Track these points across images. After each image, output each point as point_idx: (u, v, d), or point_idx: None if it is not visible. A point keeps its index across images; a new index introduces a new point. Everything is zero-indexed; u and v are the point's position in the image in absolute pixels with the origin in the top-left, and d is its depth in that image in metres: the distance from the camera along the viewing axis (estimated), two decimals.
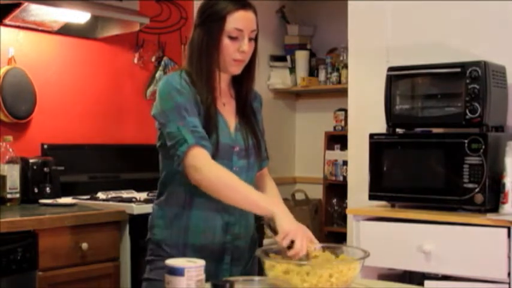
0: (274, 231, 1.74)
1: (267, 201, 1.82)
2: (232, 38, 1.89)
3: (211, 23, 1.89)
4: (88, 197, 3.25)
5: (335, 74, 4.47)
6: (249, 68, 1.98)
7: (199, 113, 1.88)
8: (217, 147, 1.88)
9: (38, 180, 3.13)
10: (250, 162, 1.98)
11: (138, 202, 3.07)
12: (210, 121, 1.89)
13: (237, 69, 1.94)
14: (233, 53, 1.90)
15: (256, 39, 1.94)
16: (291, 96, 4.87)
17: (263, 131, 2.09)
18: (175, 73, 1.95)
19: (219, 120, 1.92)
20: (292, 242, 1.69)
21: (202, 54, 1.91)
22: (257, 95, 2.11)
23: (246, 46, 1.90)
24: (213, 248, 1.91)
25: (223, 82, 1.97)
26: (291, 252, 1.68)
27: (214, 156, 1.86)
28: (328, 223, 4.52)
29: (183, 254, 1.86)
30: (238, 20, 1.88)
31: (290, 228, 1.71)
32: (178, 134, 1.82)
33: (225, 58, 1.90)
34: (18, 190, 3.03)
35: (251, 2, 1.93)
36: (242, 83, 2.00)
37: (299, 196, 4.63)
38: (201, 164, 1.81)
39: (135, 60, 3.83)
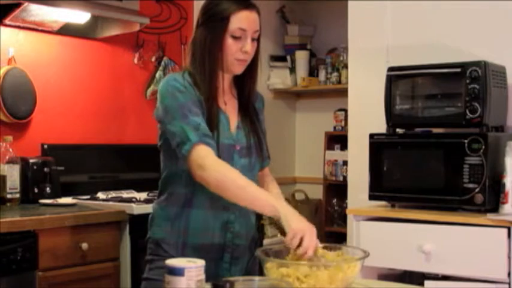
0: (282, 232, 1.72)
1: (275, 201, 1.80)
2: (235, 38, 1.89)
3: (215, 22, 1.89)
4: (88, 197, 3.25)
5: (335, 74, 4.47)
6: (251, 68, 1.98)
7: (202, 112, 1.88)
8: (217, 146, 1.88)
9: (38, 180, 3.13)
10: (251, 161, 1.98)
11: (138, 202, 3.07)
12: (212, 120, 1.89)
13: (239, 69, 1.94)
14: (236, 53, 1.90)
15: (258, 40, 1.95)
16: (291, 96, 4.87)
17: (265, 132, 2.09)
18: (177, 74, 1.96)
19: (221, 119, 1.92)
20: (301, 241, 1.67)
21: (205, 54, 1.91)
22: (259, 96, 2.11)
23: (249, 46, 1.90)
24: (212, 247, 1.91)
25: (225, 81, 1.97)
26: (300, 251, 1.67)
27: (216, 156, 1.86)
28: (328, 223, 4.52)
29: (182, 254, 1.87)
30: (242, 20, 1.88)
31: (298, 227, 1.69)
32: (182, 133, 1.82)
33: (228, 58, 1.90)
34: (18, 190, 3.03)
35: (255, 3, 1.93)
36: (244, 82, 2.01)
37: (299, 196, 4.63)
38: (206, 161, 1.80)
39: (135, 60, 3.84)
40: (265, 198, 1.80)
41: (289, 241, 1.69)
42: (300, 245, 1.67)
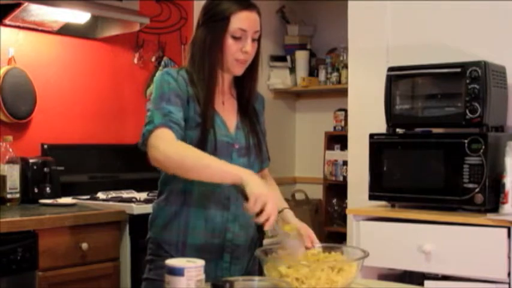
0: (247, 198, 1.66)
1: (234, 168, 1.75)
2: (235, 38, 1.89)
3: (215, 22, 1.89)
4: (88, 197, 3.25)
5: (335, 74, 4.47)
6: (252, 69, 1.98)
7: (182, 105, 1.86)
8: (215, 144, 1.87)
9: (38, 180, 3.13)
10: (250, 161, 1.97)
11: (138, 202, 3.07)
12: (207, 120, 1.88)
13: (239, 70, 1.94)
14: (236, 53, 1.89)
15: (259, 40, 1.94)
16: (291, 96, 4.87)
17: (265, 133, 2.09)
18: (173, 69, 1.96)
19: (216, 119, 1.92)
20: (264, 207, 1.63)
21: (204, 54, 1.91)
22: (260, 97, 2.11)
23: (249, 46, 1.90)
24: (212, 247, 1.91)
25: (224, 81, 1.97)
26: (261, 217, 1.63)
27: (214, 154, 1.85)
28: (328, 223, 4.52)
29: (182, 253, 1.87)
30: (242, 20, 1.88)
31: (260, 192, 1.65)
32: (150, 116, 1.83)
33: (228, 58, 1.90)
34: (18, 190, 3.03)
35: (255, 3, 1.93)
36: (244, 83, 2.00)
37: (299, 196, 4.63)
38: (162, 142, 1.77)
39: (135, 60, 3.84)
40: (224, 166, 1.74)
41: (251, 206, 1.64)
42: (262, 212, 1.64)
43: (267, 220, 1.63)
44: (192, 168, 1.74)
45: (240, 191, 1.69)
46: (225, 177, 1.73)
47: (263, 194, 1.65)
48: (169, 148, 1.76)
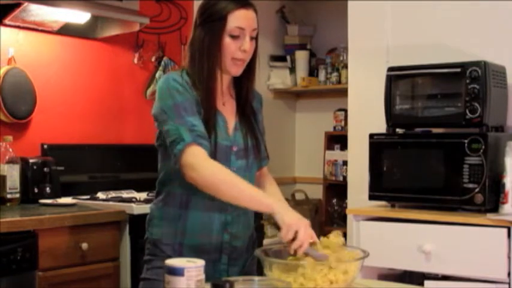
0: (278, 227, 1.72)
1: (267, 197, 1.81)
2: (233, 37, 1.88)
3: (213, 22, 1.89)
4: (88, 197, 3.25)
5: (335, 74, 4.47)
6: (250, 68, 1.97)
7: (199, 112, 1.87)
8: (215, 148, 1.87)
9: (38, 180, 3.13)
10: (248, 162, 1.97)
11: (138, 202, 3.07)
12: (209, 122, 1.88)
13: (237, 70, 1.93)
14: (234, 52, 1.89)
15: (256, 39, 1.94)
16: (291, 96, 4.87)
17: (263, 131, 2.09)
18: (176, 72, 1.95)
19: (218, 120, 1.92)
20: (296, 235, 1.67)
21: (203, 54, 1.91)
22: (257, 95, 2.10)
23: (248, 44, 1.89)
24: (210, 248, 1.91)
25: (224, 82, 1.96)
26: (295, 244, 1.67)
27: (213, 157, 1.85)
28: (328, 223, 4.52)
29: (179, 254, 1.87)
30: (239, 19, 1.88)
31: (292, 221, 1.70)
32: (176, 132, 1.82)
33: (226, 57, 1.89)
34: (18, 190, 3.03)
35: (252, 1, 1.93)
36: (243, 82, 2.00)
37: (299, 196, 4.63)
38: (197, 161, 1.79)
39: (135, 60, 3.84)
40: (258, 196, 1.80)
41: (284, 236, 1.69)
42: (294, 239, 1.67)
43: (300, 246, 1.67)
44: (226, 193, 1.79)
45: (272, 221, 1.73)
46: (258, 206, 1.80)
47: (294, 223, 1.69)
48: (205, 171, 1.79)
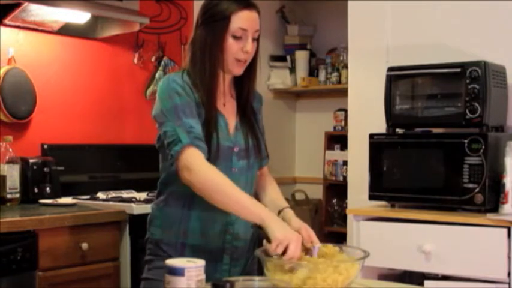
0: (268, 239, 1.71)
1: (260, 209, 1.77)
2: (236, 38, 1.88)
3: (215, 22, 1.88)
4: (88, 197, 3.25)
5: (335, 74, 4.47)
6: (251, 69, 1.97)
7: (199, 114, 1.87)
8: (217, 149, 1.87)
9: (38, 180, 3.13)
10: (249, 162, 1.97)
11: (138, 202, 3.07)
12: (210, 123, 1.88)
13: (239, 70, 1.93)
14: (236, 53, 1.88)
15: (258, 40, 1.94)
16: (291, 96, 4.87)
17: (263, 131, 2.09)
18: (176, 73, 1.95)
19: (219, 121, 1.92)
20: (286, 249, 1.67)
21: (205, 54, 1.90)
22: (257, 95, 2.10)
23: (250, 46, 1.89)
24: (211, 248, 1.91)
25: (225, 82, 1.96)
26: (285, 258, 1.66)
27: (215, 158, 1.85)
28: (328, 223, 4.52)
29: (181, 254, 1.87)
30: (242, 20, 1.87)
31: (283, 236, 1.68)
32: (174, 134, 1.82)
33: (228, 58, 1.89)
34: (18, 190, 3.03)
35: (255, 2, 1.93)
36: (244, 83, 2.00)
37: (299, 196, 4.63)
38: (193, 164, 1.78)
39: (135, 60, 3.84)
40: (250, 206, 1.77)
41: (273, 249, 1.67)
42: (284, 253, 1.66)
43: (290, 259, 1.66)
44: (217, 200, 1.78)
45: (263, 233, 1.73)
46: (250, 216, 1.77)
47: (285, 237, 1.67)
48: (201, 175, 1.78)
